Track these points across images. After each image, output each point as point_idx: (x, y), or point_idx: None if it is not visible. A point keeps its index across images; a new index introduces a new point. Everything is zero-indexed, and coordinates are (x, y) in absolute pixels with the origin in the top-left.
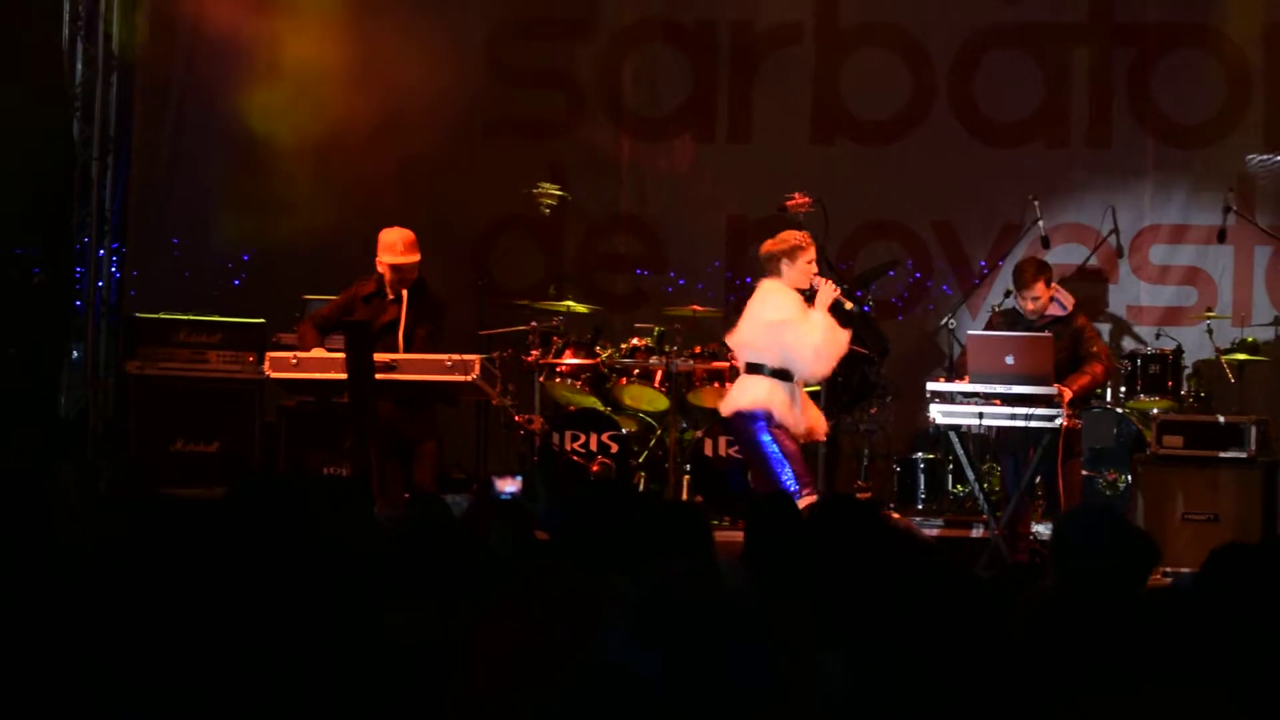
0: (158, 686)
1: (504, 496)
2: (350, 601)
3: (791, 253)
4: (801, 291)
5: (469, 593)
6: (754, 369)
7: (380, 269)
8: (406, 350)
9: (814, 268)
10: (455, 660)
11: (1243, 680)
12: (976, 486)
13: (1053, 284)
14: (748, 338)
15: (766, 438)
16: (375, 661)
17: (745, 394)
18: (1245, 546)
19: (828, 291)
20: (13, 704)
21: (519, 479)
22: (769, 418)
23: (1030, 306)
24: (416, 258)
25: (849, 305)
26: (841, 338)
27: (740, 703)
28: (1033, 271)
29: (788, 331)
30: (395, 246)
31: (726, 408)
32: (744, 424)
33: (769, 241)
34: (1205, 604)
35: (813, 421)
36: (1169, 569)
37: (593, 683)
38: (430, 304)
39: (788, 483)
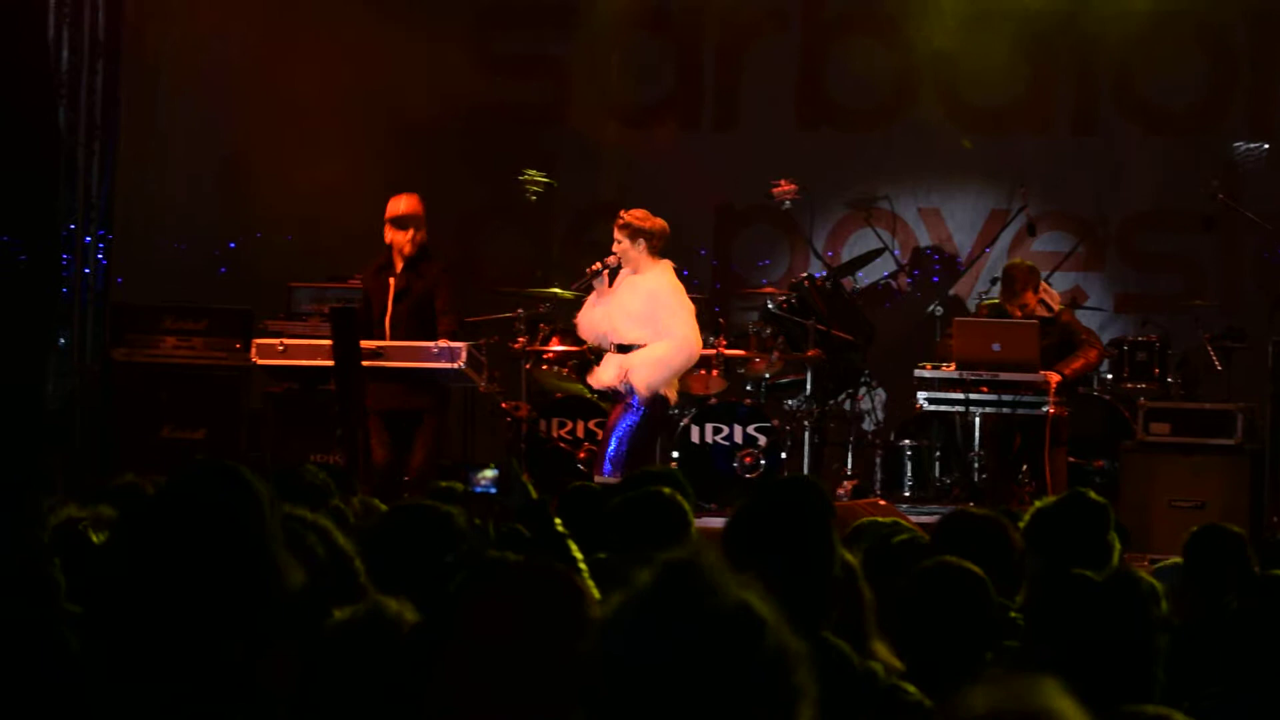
0: (145, 679)
1: (479, 489)
2: (329, 596)
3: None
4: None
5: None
6: None
7: (387, 238)
8: (407, 323)
9: (615, 243)
10: (437, 655)
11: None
12: (962, 473)
13: (1040, 287)
14: None
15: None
16: (358, 655)
17: None
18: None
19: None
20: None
21: (496, 471)
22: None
23: (1018, 314)
24: (417, 210)
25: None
26: (585, 316)
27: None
28: (1022, 281)
29: None
30: (397, 204)
31: None
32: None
33: None
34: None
35: (602, 372)
36: (1155, 556)
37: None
38: (447, 283)
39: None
